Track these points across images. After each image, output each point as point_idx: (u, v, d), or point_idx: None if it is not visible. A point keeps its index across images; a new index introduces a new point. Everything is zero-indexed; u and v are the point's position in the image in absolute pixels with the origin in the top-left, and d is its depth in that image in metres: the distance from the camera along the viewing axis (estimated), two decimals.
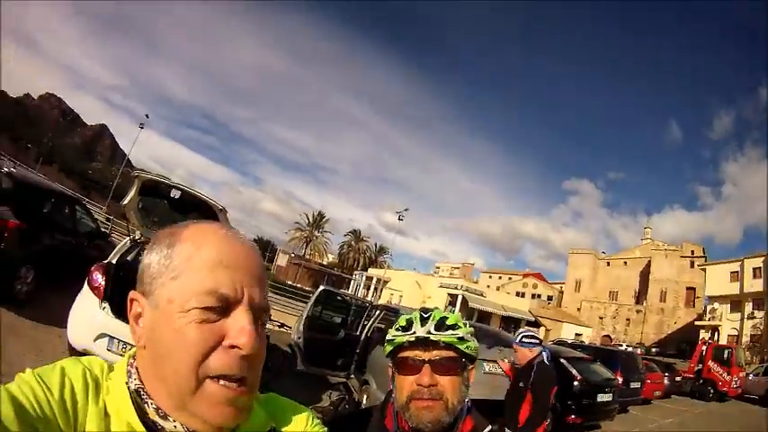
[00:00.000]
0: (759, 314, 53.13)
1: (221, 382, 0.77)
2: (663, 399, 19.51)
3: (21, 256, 7.25)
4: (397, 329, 1.52)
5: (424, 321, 1.48)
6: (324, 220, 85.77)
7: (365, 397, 7.92)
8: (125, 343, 5.53)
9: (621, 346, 55.56)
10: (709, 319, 59.10)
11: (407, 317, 1.52)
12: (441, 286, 61.27)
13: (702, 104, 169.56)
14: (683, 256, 79.88)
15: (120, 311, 5.68)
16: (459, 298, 55.55)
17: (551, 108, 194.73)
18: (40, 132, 63.36)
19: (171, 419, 0.79)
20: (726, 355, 22.57)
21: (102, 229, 13.91)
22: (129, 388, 0.81)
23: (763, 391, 20.90)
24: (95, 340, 5.50)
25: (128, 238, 6.43)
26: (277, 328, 8.01)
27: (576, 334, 58.41)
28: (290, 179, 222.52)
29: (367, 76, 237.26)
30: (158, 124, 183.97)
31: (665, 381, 19.85)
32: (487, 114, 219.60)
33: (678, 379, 21.97)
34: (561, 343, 20.12)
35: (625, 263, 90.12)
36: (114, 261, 6.01)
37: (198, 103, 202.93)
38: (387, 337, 1.55)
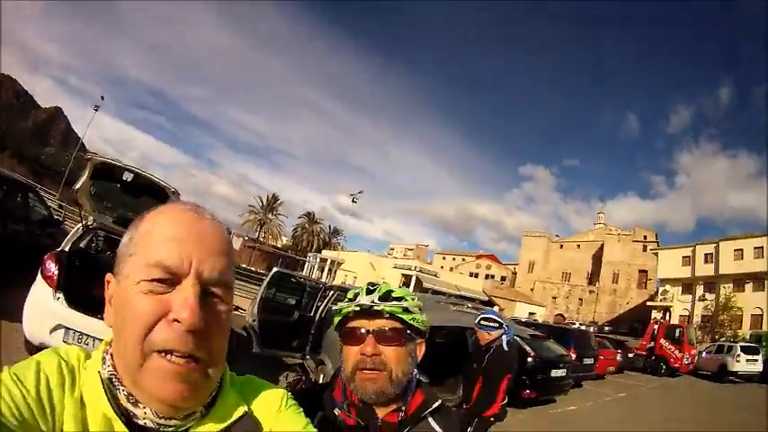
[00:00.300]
0: (710, 296, 56.14)
1: (168, 356, 0.76)
2: (616, 374, 20.22)
3: None
4: (344, 301, 1.50)
5: (370, 292, 1.46)
6: (278, 202, 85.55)
7: (321, 377, 7.86)
8: (80, 333, 5.39)
9: (574, 324, 57.12)
10: (660, 300, 61.89)
11: (356, 290, 1.50)
12: (395, 267, 61.71)
13: (660, 99, 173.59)
14: (635, 241, 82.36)
15: (75, 300, 5.59)
16: (414, 278, 55.77)
17: (509, 96, 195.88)
18: None
19: (141, 406, 0.79)
20: (677, 334, 23.85)
21: (56, 217, 13.56)
22: (101, 376, 0.80)
23: (716, 368, 21.84)
24: (51, 332, 5.34)
25: (80, 224, 6.23)
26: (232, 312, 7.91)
27: (530, 313, 59.50)
28: (244, 162, 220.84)
29: (325, 59, 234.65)
30: (111, 106, 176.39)
31: (618, 357, 20.59)
32: (444, 101, 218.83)
33: (631, 355, 23.05)
34: (515, 321, 20.53)
35: (578, 246, 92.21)
36: (67, 249, 5.85)
37: (151, 82, 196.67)
38: (334, 308, 1.53)
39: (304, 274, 63.74)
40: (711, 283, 56.66)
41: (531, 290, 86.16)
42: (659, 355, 23.27)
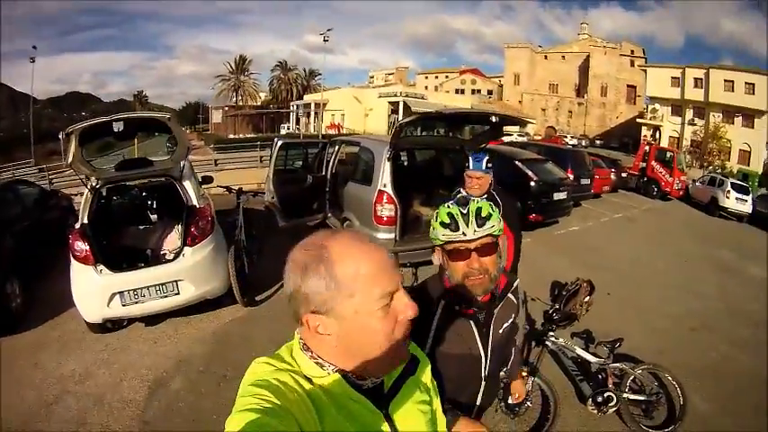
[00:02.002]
0: (699, 122, 55.98)
1: (404, 339, 1.13)
2: (611, 193, 20.99)
3: None
4: (443, 226, 1.84)
5: (465, 218, 1.82)
6: (247, 62, 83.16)
7: None
8: (134, 291, 5.57)
9: (566, 137, 57.33)
10: (650, 118, 61.37)
11: (448, 212, 1.85)
12: (380, 96, 60.18)
13: None
14: (622, 54, 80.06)
15: (116, 262, 5.71)
16: (401, 105, 54.96)
17: None
18: None
19: (366, 377, 1.13)
20: (668, 157, 23.91)
21: (48, 188, 13.28)
22: (328, 372, 1.11)
23: (707, 200, 22.01)
24: (109, 304, 5.51)
25: (86, 189, 6.09)
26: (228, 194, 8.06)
27: (521, 127, 58.58)
28: (201, 34, 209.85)
29: None
30: (47, 48, 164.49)
31: (612, 176, 21.24)
32: None
33: (624, 175, 23.62)
34: (509, 142, 20.83)
35: (563, 57, 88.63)
36: (86, 220, 5.77)
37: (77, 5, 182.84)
38: (437, 234, 1.88)
39: (291, 124, 63.39)
40: (701, 109, 56.19)
41: (520, 102, 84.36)
42: (651, 177, 23.69)
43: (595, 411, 4.41)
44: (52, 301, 6.76)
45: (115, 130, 5.64)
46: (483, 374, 2.10)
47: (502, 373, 2.55)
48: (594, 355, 4.64)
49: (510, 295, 2.11)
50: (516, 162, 12.42)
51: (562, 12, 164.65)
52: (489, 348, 2.04)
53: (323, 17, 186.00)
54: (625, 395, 4.37)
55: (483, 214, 1.83)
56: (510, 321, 2.14)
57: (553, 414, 4.27)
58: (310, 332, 1.09)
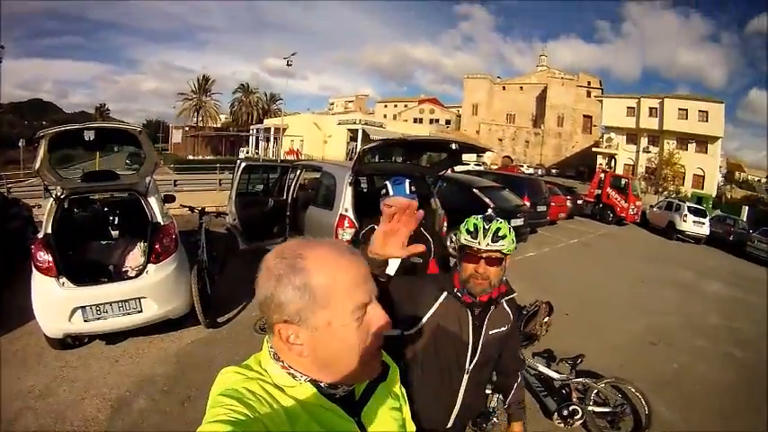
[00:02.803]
0: (654, 149, 58.97)
1: (377, 351, 1.13)
2: (567, 220, 21.50)
3: None
4: (467, 232, 2.26)
5: (485, 232, 2.21)
6: (210, 82, 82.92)
7: None
8: (96, 306, 5.48)
9: (523, 166, 58.33)
10: (606, 147, 64.29)
11: (474, 222, 2.26)
12: (339, 123, 60.83)
13: None
14: (579, 86, 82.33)
15: (79, 275, 5.58)
16: (360, 132, 55.30)
17: None
18: None
19: (339, 386, 1.12)
20: (623, 184, 24.91)
21: (9, 197, 12.70)
22: (300, 382, 1.09)
23: (665, 224, 23.07)
24: (70, 319, 5.40)
25: (50, 199, 6.03)
26: (190, 212, 8.04)
27: (477, 155, 58.81)
28: (166, 50, 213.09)
29: None
30: (12, 50, 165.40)
31: (568, 203, 21.70)
32: None
33: (579, 202, 24.45)
34: (466, 171, 21.09)
35: (521, 88, 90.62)
36: (50, 230, 5.65)
37: (46, 6, 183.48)
38: (460, 237, 2.29)
39: (250, 148, 63.11)
40: (655, 137, 59.48)
41: (477, 132, 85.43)
42: (606, 203, 24.53)
43: (562, 425, 4.58)
44: (11, 313, 6.60)
45: (86, 138, 5.54)
46: (467, 366, 2.40)
47: (495, 401, 3.06)
48: (557, 371, 4.85)
49: (505, 305, 2.46)
50: (474, 189, 12.92)
51: (523, 44, 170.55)
52: (479, 342, 2.37)
53: (285, 40, 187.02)
54: (590, 408, 4.57)
55: (500, 234, 2.21)
56: (502, 330, 2.45)
57: None
58: (282, 341, 1.08)
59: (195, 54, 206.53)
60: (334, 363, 1.08)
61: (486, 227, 2.23)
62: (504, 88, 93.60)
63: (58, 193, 6.00)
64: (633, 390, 4.64)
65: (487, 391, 3.89)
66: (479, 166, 41.80)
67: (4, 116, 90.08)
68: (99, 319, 5.55)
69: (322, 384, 1.09)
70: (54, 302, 5.40)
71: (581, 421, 4.55)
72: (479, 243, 2.21)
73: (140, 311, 5.75)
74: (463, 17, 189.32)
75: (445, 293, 2.36)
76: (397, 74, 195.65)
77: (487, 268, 2.25)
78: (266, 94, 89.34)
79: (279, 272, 1.04)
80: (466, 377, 2.41)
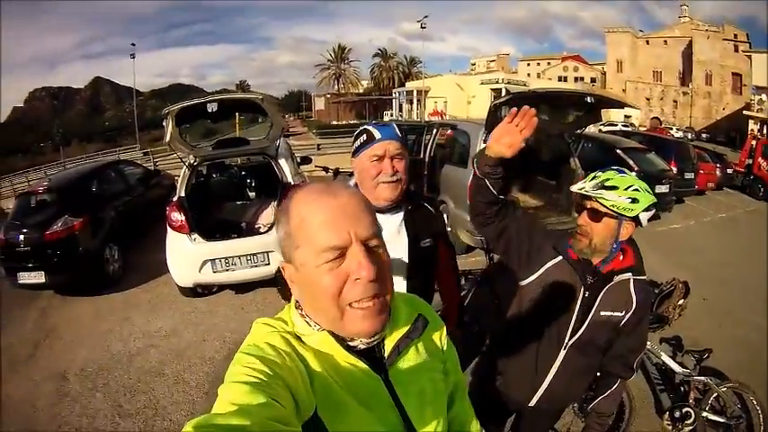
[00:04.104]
0: None
1: (359, 304, 1.00)
2: (715, 191, 19.21)
3: (98, 243, 7.43)
4: (589, 179, 2.04)
5: (595, 178, 2.01)
6: (346, 51, 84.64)
7: (445, 216, 8.06)
8: (225, 259, 6.02)
9: (672, 129, 54.74)
10: (757, 111, 56.35)
11: (603, 173, 2.03)
12: (482, 83, 59.70)
13: None
14: (725, 39, 73.65)
15: (210, 232, 6.18)
16: (503, 92, 53.49)
17: None
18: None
19: (348, 339, 1.07)
20: None
21: (152, 168, 14.07)
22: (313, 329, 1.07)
23: None
24: (200, 270, 5.98)
25: (184, 166, 6.61)
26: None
27: (625, 116, 55.87)
28: (297, 25, 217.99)
29: None
30: (145, 43, 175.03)
31: (718, 172, 19.54)
32: None
33: (730, 172, 21.23)
34: (612, 131, 19.92)
35: (665, 41, 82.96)
36: (183, 194, 6.25)
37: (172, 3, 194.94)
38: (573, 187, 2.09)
39: (394, 111, 63.81)
40: None
41: (624, 91, 79.38)
42: (757, 175, 20.73)
43: (670, 427, 4.02)
44: (148, 267, 7.43)
45: (209, 110, 5.86)
46: (566, 340, 2.15)
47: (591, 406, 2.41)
48: (680, 364, 4.25)
49: (631, 288, 2.13)
50: (617, 150, 12.04)
51: None
52: (586, 319, 2.12)
53: (413, 4, 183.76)
54: (704, 414, 3.96)
55: (607, 183, 1.97)
56: (618, 315, 2.13)
57: (625, 424, 3.94)
58: (291, 282, 1.08)
59: (325, 26, 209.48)
60: (320, 308, 1.03)
61: (595, 175, 2.03)
62: (647, 42, 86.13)
63: (191, 161, 6.56)
64: (755, 402, 3.97)
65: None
66: (627, 127, 39.46)
67: (148, 102, 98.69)
68: (227, 270, 6.06)
69: (337, 334, 1.06)
70: (185, 256, 6.03)
71: (691, 427, 3.95)
72: (584, 184, 2.02)
73: (268, 264, 6.14)
74: None
75: (560, 257, 2.13)
76: (535, 29, 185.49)
77: (589, 222, 2.02)
78: (406, 58, 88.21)
79: (279, 212, 1.09)
80: (562, 353, 2.17)
